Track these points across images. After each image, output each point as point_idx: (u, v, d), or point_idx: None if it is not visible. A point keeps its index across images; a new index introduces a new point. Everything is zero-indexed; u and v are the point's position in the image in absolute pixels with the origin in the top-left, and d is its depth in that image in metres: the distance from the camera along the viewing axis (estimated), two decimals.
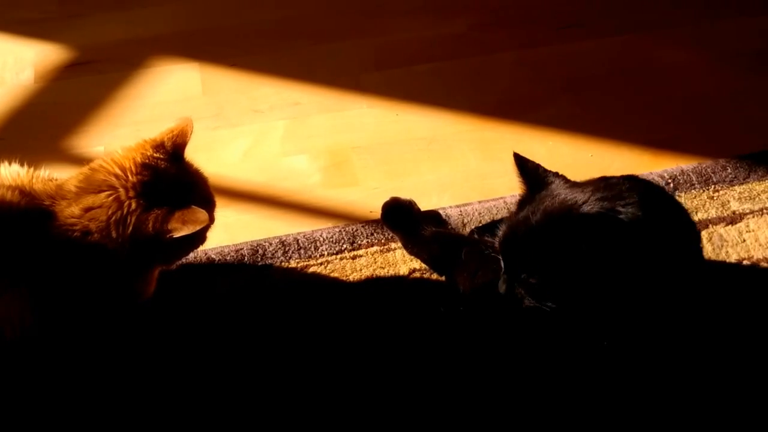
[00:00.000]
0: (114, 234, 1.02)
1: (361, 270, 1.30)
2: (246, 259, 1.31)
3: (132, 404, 1.14)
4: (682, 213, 1.06)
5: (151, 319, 1.21)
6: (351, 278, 1.29)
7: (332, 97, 1.57)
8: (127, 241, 1.03)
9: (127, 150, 1.08)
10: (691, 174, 1.43)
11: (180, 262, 1.17)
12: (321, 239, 1.34)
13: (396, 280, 1.29)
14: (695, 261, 1.07)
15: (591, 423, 1.06)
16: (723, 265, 1.31)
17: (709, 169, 1.44)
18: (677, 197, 1.36)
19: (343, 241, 1.34)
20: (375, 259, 1.31)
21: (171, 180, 1.07)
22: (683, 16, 1.72)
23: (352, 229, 1.35)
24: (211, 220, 1.11)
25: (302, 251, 1.32)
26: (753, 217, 1.38)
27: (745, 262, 1.31)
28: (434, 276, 1.29)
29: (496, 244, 1.04)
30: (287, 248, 1.32)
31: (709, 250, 1.32)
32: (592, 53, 1.65)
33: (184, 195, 1.06)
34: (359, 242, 1.33)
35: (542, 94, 1.58)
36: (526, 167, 1.06)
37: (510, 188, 1.41)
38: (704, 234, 1.34)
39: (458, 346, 1.16)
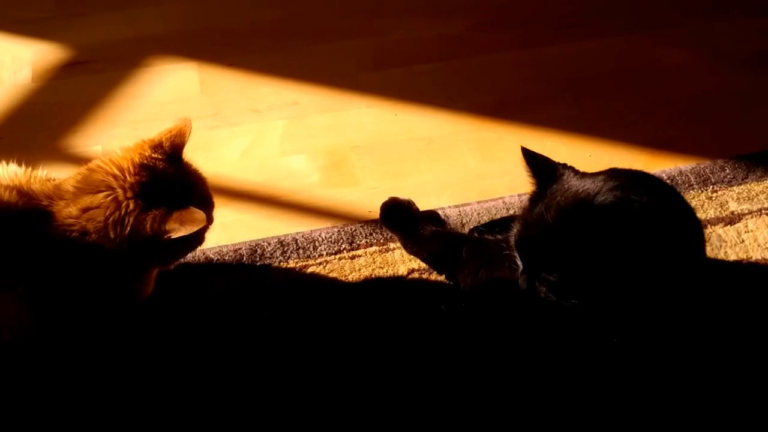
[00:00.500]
0: (112, 234, 1.02)
1: (359, 270, 1.30)
2: (244, 259, 1.30)
3: (130, 404, 1.14)
4: (687, 206, 1.07)
5: (149, 320, 1.21)
6: (350, 278, 1.29)
7: (331, 96, 1.57)
8: (125, 241, 1.02)
9: (125, 150, 1.08)
10: (689, 174, 1.43)
11: (178, 262, 1.17)
12: (320, 239, 1.33)
13: (395, 280, 1.29)
14: (702, 254, 1.08)
15: (594, 420, 1.05)
16: (722, 264, 1.31)
17: (707, 170, 1.44)
18: None
19: (341, 241, 1.33)
20: (374, 259, 1.31)
21: (169, 180, 1.06)
22: (682, 16, 1.72)
23: (351, 229, 1.35)
24: (210, 220, 1.11)
25: (301, 251, 1.32)
26: (751, 217, 1.38)
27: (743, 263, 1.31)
28: (433, 276, 1.29)
29: (512, 243, 1.04)
30: (286, 248, 1.32)
31: (708, 251, 1.31)
32: (591, 53, 1.65)
33: (183, 195, 1.06)
34: (358, 242, 1.33)
35: (541, 95, 1.58)
36: (534, 161, 1.06)
37: (509, 188, 1.42)
38: (704, 234, 1.34)
39: (459, 344, 1.16)
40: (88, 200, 1.04)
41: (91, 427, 1.12)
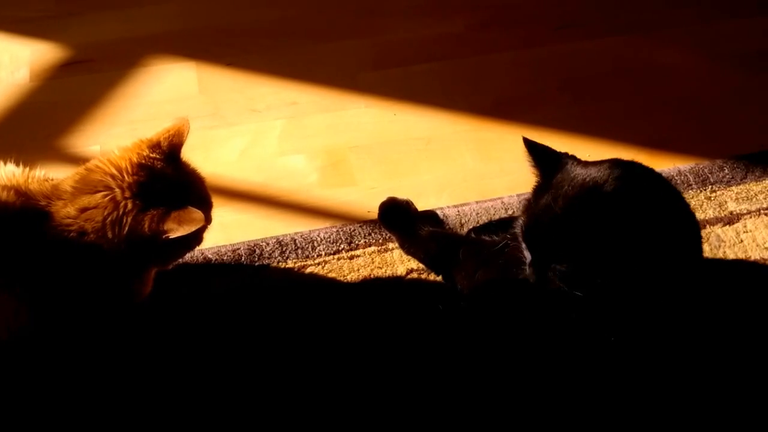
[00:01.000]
0: (110, 234, 1.02)
1: (358, 270, 1.30)
2: (243, 259, 1.30)
3: (128, 405, 1.14)
4: (683, 198, 1.09)
5: (147, 320, 1.21)
6: (348, 278, 1.29)
7: (330, 96, 1.57)
8: (123, 241, 1.02)
9: (124, 150, 1.07)
10: (688, 174, 1.43)
11: (176, 262, 1.16)
12: (318, 239, 1.33)
13: (393, 280, 1.29)
14: (700, 248, 1.10)
15: (592, 419, 1.05)
16: (720, 264, 1.31)
17: (706, 170, 1.44)
18: None
19: (340, 241, 1.33)
20: (372, 259, 1.31)
21: (167, 180, 1.06)
22: (680, 16, 1.72)
23: (350, 229, 1.35)
24: (208, 220, 1.11)
25: (299, 251, 1.32)
26: (750, 217, 1.38)
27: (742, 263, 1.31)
28: (432, 276, 1.29)
29: (519, 236, 1.03)
30: (284, 248, 1.32)
31: (706, 251, 1.32)
32: (590, 53, 1.65)
33: (181, 195, 1.06)
34: (357, 242, 1.33)
35: (540, 94, 1.58)
36: (537, 151, 1.06)
37: (508, 188, 1.41)
38: (702, 234, 1.33)
39: (457, 345, 1.16)
40: (86, 200, 1.03)
41: (90, 427, 1.12)
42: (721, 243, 1.34)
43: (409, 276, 1.29)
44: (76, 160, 1.18)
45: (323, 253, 1.32)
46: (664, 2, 1.76)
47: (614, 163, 1.02)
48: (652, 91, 1.59)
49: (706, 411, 1.08)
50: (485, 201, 1.40)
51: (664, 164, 1.46)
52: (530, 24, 1.70)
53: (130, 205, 1.02)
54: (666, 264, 0.97)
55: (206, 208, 1.11)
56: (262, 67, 1.60)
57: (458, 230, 1.35)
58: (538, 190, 1.04)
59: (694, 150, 1.49)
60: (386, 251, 1.32)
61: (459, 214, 1.37)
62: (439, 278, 1.28)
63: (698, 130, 1.53)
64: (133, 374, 1.16)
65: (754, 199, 1.40)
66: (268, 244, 1.32)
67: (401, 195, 1.36)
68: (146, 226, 1.02)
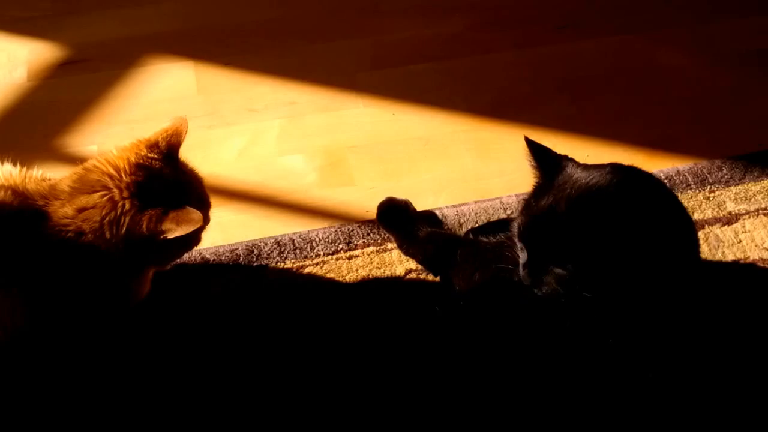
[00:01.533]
0: (108, 234, 1.01)
1: (357, 270, 1.30)
2: (241, 259, 1.30)
3: (126, 405, 1.14)
4: (681, 205, 1.10)
5: (145, 320, 1.21)
6: (347, 278, 1.29)
7: (328, 96, 1.56)
8: (121, 241, 1.02)
9: (121, 150, 1.07)
10: (687, 174, 1.43)
11: (174, 262, 1.16)
12: (317, 239, 1.33)
13: (392, 281, 1.29)
14: (697, 248, 1.11)
15: (591, 418, 1.05)
16: (719, 265, 1.31)
17: (704, 170, 1.44)
18: None
19: (339, 241, 1.33)
20: (371, 259, 1.31)
21: (165, 180, 1.06)
22: (679, 16, 1.73)
23: (348, 229, 1.35)
24: (206, 220, 1.10)
25: (298, 251, 1.32)
26: (749, 217, 1.38)
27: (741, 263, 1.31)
28: (430, 276, 1.28)
29: (516, 236, 1.04)
30: (283, 248, 1.32)
31: (705, 251, 1.32)
32: (588, 53, 1.65)
33: (179, 195, 1.06)
34: (355, 242, 1.33)
35: (539, 94, 1.58)
36: (538, 152, 1.06)
37: (506, 188, 1.41)
38: (700, 234, 1.34)
39: (454, 345, 1.16)
40: (83, 200, 1.03)
41: (88, 427, 1.12)
42: (720, 243, 1.34)
43: (407, 276, 1.29)
44: (74, 159, 1.18)
45: (322, 253, 1.32)
46: (663, 2, 1.76)
47: (615, 167, 1.03)
48: (651, 90, 1.59)
49: (706, 411, 1.08)
50: (484, 201, 1.40)
51: (662, 164, 1.46)
52: (529, 24, 1.70)
53: (128, 206, 1.02)
54: (664, 266, 0.98)
55: (204, 208, 1.11)
56: (261, 66, 1.60)
57: (457, 230, 1.35)
58: (538, 191, 1.04)
59: (693, 150, 1.49)
60: (385, 251, 1.32)
61: (458, 214, 1.37)
62: (437, 279, 1.28)
63: (697, 129, 1.53)
64: (131, 375, 1.16)
65: (752, 200, 1.40)
66: (266, 244, 1.32)
67: (400, 195, 1.36)
68: (144, 226, 1.01)
